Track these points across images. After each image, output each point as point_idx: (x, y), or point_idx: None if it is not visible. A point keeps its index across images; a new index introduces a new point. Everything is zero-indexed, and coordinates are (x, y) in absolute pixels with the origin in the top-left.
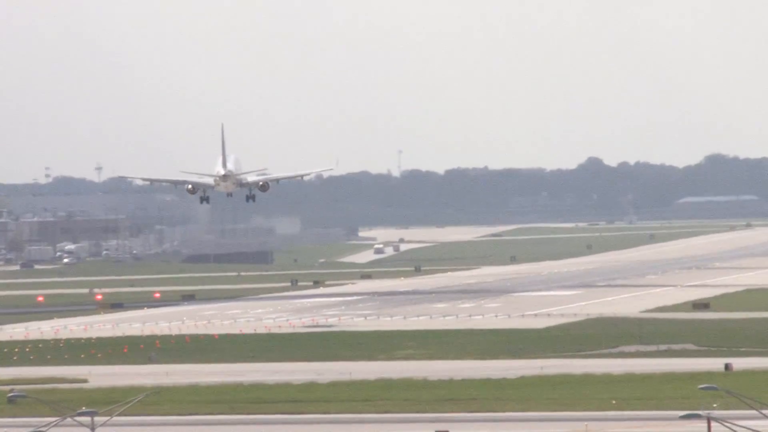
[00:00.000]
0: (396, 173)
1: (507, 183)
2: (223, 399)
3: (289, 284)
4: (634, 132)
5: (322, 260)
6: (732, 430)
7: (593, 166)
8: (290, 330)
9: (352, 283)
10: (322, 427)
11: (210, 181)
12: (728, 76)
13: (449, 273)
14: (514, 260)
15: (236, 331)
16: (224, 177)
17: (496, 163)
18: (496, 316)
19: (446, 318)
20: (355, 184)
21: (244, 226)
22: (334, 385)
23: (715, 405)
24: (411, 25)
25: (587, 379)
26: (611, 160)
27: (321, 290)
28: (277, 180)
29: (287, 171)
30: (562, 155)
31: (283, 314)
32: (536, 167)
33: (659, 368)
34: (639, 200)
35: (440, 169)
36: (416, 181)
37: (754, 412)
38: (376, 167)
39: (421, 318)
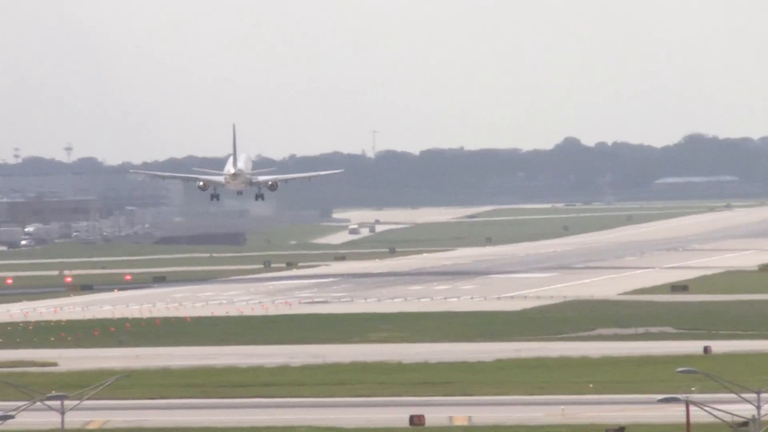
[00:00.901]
0: (371, 154)
1: (483, 164)
2: (194, 382)
3: (261, 266)
4: (611, 112)
5: (293, 242)
6: (711, 413)
7: (570, 146)
8: (263, 312)
9: (326, 265)
10: (295, 410)
11: (221, 179)
12: (707, 55)
13: (424, 254)
14: (489, 242)
15: (208, 314)
16: (234, 176)
17: (472, 144)
18: (472, 298)
19: (421, 300)
20: (329, 165)
21: (216, 208)
22: (307, 369)
23: (693, 388)
24: (386, 6)
25: (564, 362)
26: (589, 140)
27: (294, 272)
28: (286, 180)
29: (297, 173)
30: (538, 135)
31: (256, 296)
32: (512, 147)
33: (637, 351)
34: (617, 181)
35: (415, 150)
36: (391, 162)
37: (733, 395)
38: (351, 148)
39: (395, 300)
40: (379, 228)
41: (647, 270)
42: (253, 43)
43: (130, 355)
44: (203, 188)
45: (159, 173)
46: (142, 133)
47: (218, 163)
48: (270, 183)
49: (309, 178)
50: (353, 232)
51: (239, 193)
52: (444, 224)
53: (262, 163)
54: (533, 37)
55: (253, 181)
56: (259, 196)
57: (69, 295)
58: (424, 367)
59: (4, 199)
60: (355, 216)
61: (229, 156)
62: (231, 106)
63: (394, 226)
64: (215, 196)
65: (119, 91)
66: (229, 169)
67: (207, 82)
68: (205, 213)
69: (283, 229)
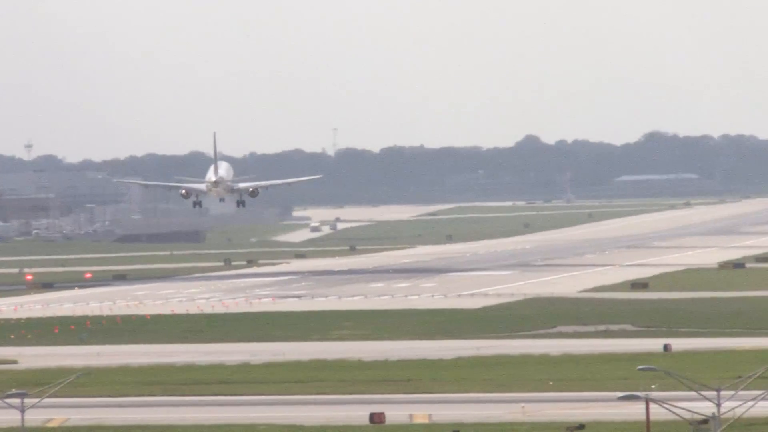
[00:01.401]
0: (331, 152)
1: (443, 161)
2: (155, 380)
3: (222, 264)
4: (572, 110)
5: (253, 240)
6: (671, 411)
7: (530, 144)
8: (223, 310)
9: (287, 263)
10: (256, 408)
11: (203, 187)
12: (667, 53)
13: (385, 252)
14: (450, 239)
15: (168, 312)
16: (215, 183)
17: (433, 142)
18: (432, 296)
19: (382, 298)
20: (289, 163)
21: (176, 206)
22: (267, 366)
23: (653, 386)
24: (347, 4)
25: (524, 359)
26: (549, 138)
27: (254, 270)
28: (267, 187)
29: (275, 179)
30: (499, 133)
31: (216, 294)
32: (473, 145)
33: (597, 349)
34: (577, 178)
35: (376, 148)
36: (352, 159)
37: (693, 393)
38: (311, 146)
39: (356, 298)
40: (340, 226)
41: (607, 267)
42: (214, 40)
43: (90, 352)
44: (185, 196)
45: (142, 182)
46: (102, 130)
47: (179, 161)
48: (251, 189)
49: (289, 184)
50: (314, 230)
51: (221, 200)
52: (405, 222)
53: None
54: (493, 36)
55: (235, 188)
56: (241, 203)
57: (29, 293)
58: (385, 364)
59: None
60: (316, 214)
61: (210, 164)
62: (191, 104)
63: (355, 223)
64: (197, 203)
65: (80, 89)
66: (211, 177)
67: (166, 79)
68: (164, 211)
69: (244, 227)
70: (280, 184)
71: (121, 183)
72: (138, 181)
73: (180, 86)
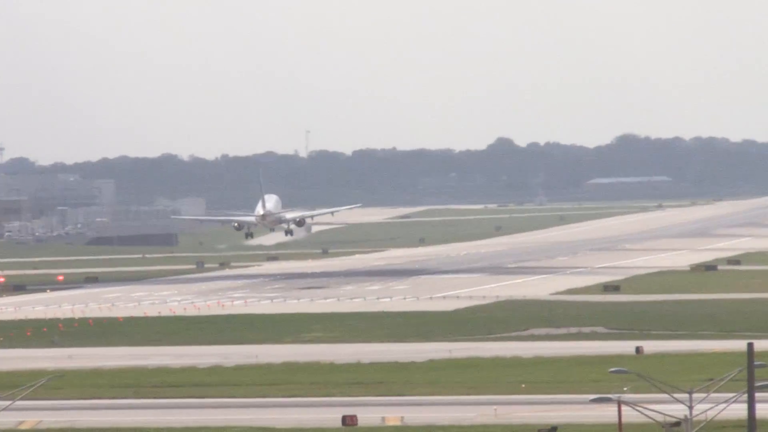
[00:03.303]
0: (303, 154)
1: (416, 164)
2: (127, 383)
3: (194, 266)
4: (544, 112)
5: (222, 246)
6: (643, 413)
7: (503, 146)
8: (196, 313)
9: (259, 265)
10: (228, 411)
11: (252, 219)
12: (639, 56)
13: (357, 255)
14: (422, 242)
15: (141, 314)
16: (263, 216)
17: (405, 144)
18: (405, 298)
19: (354, 300)
20: (261, 165)
21: (148, 208)
22: (240, 369)
23: (625, 388)
24: (319, 5)
25: (496, 362)
26: (521, 141)
27: (227, 272)
28: (312, 216)
29: (318, 210)
30: (471, 136)
31: (189, 297)
32: (445, 148)
33: (569, 351)
34: (549, 181)
35: (348, 150)
36: (324, 161)
37: (665, 395)
38: (284, 148)
39: (328, 300)
40: (313, 228)
41: (579, 270)
42: (186, 41)
43: (62, 355)
44: (238, 228)
45: (199, 217)
46: (74, 133)
47: (150, 163)
48: (297, 220)
49: (332, 213)
50: (288, 232)
51: (271, 230)
52: (377, 224)
53: (194, 163)
54: (465, 38)
55: (282, 219)
56: (289, 232)
57: (1, 296)
58: (357, 367)
59: None
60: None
61: (258, 199)
62: (163, 106)
63: (327, 226)
64: (249, 235)
65: (51, 91)
66: (259, 210)
67: (138, 81)
68: (136, 213)
69: (216, 229)
70: (323, 213)
71: (178, 219)
72: (194, 217)
73: (152, 88)
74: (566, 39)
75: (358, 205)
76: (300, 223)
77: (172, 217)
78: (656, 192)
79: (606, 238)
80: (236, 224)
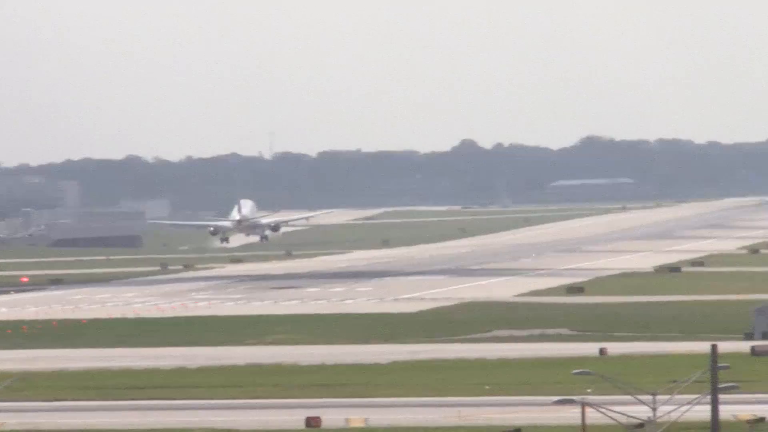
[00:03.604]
0: (268, 156)
1: (380, 165)
2: (91, 384)
3: (158, 268)
4: (508, 114)
5: (184, 247)
6: (606, 415)
7: (467, 148)
8: (160, 314)
9: (222, 267)
10: (192, 412)
11: (228, 224)
12: (604, 57)
13: (321, 257)
14: (386, 244)
15: (105, 316)
16: (239, 222)
17: (369, 146)
18: (368, 300)
19: (318, 302)
20: (225, 167)
21: (113, 210)
22: (203, 371)
23: (589, 390)
24: (282, 6)
25: (460, 364)
26: (485, 143)
27: (191, 274)
28: (286, 222)
29: (294, 215)
30: (435, 137)
31: (153, 298)
32: (409, 149)
33: (533, 353)
34: (513, 183)
35: (312, 152)
36: (288, 163)
37: (628, 397)
38: (248, 149)
39: (292, 302)
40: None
41: (543, 272)
42: (150, 41)
43: (26, 357)
44: (214, 233)
45: (177, 222)
46: (38, 134)
47: (115, 165)
48: (273, 225)
49: (307, 218)
50: (262, 237)
51: (247, 234)
52: (341, 226)
53: (159, 165)
54: (429, 39)
55: (258, 224)
56: (264, 237)
57: None
58: (321, 368)
59: None
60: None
61: (234, 205)
62: (126, 107)
63: (291, 228)
64: (225, 240)
65: (15, 92)
66: (235, 216)
67: (102, 83)
68: (101, 215)
69: (180, 231)
70: (299, 218)
71: (155, 223)
72: (169, 221)
73: (116, 90)
74: (530, 41)
75: (331, 210)
76: (275, 228)
77: (149, 221)
78: (620, 194)
79: (570, 239)
80: (212, 229)
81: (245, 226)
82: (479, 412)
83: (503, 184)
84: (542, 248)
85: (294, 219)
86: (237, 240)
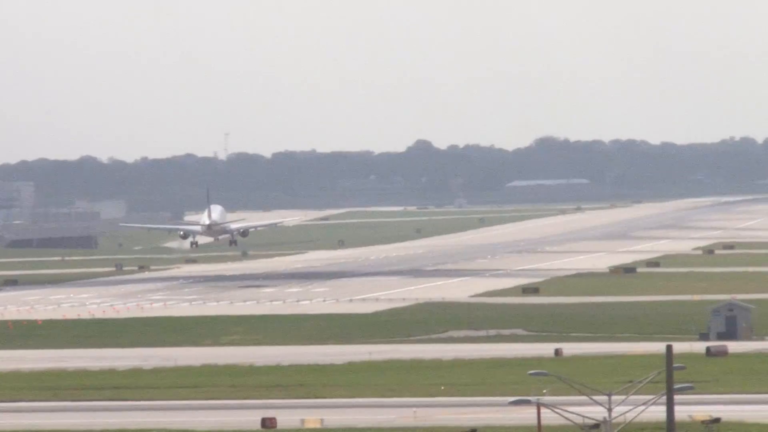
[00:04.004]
0: (223, 156)
1: (335, 166)
2: (46, 385)
3: (113, 269)
4: (463, 114)
5: (137, 248)
6: (562, 415)
7: (422, 148)
8: (115, 315)
9: (178, 268)
10: (147, 413)
11: (198, 229)
12: (559, 58)
13: (276, 258)
14: (342, 244)
15: (60, 317)
16: (209, 227)
17: (324, 146)
18: (324, 300)
19: (273, 303)
20: (180, 167)
21: (68, 211)
22: (158, 371)
23: (545, 390)
24: (236, 6)
25: (416, 364)
26: (440, 143)
27: (146, 275)
28: (255, 227)
29: (263, 221)
30: (390, 138)
31: (108, 299)
32: (365, 150)
33: (489, 353)
34: (469, 183)
35: (268, 152)
36: (243, 164)
37: (584, 397)
38: (203, 150)
39: (247, 303)
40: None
41: (499, 272)
42: (104, 43)
43: None
44: (184, 237)
45: (148, 226)
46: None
47: (70, 166)
48: (242, 230)
49: (276, 224)
50: (231, 242)
51: (216, 239)
52: (297, 227)
53: (114, 166)
54: (384, 40)
55: (227, 229)
56: (233, 242)
57: None
58: (276, 369)
59: None
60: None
61: (204, 209)
62: (81, 108)
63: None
64: (194, 243)
65: None
66: (205, 220)
67: (57, 82)
68: (56, 215)
69: (135, 232)
70: (266, 225)
71: (126, 226)
72: (141, 225)
73: (71, 90)
74: (485, 41)
75: (297, 218)
76: (244, 233)
77: (121, 224)
78: (576, 194)
79: (525, 240)
80: (182, 233)
81: (214, 231)
82: (435, 413)
83: (459, 185)
84: (498, 249)
85: (263, 224)
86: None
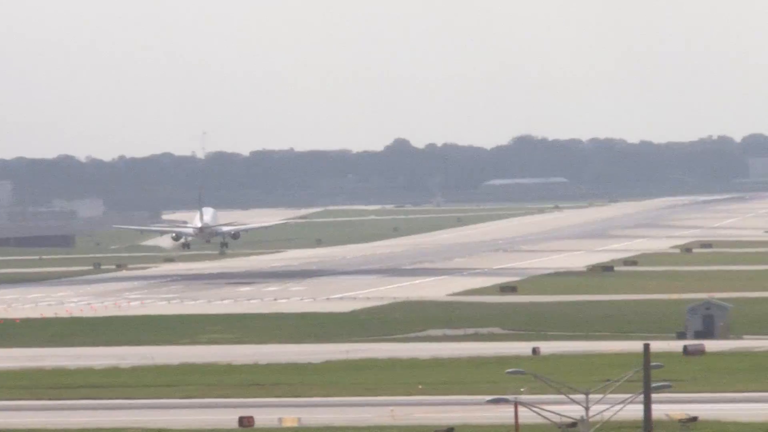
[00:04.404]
0: (201, 155)
1: (313, 165)
2: (23, 384)
3: (91, 268)
4: (441, 113)
5: (113, 246)
6: (539, 414)
7: (400, 147)
8: (93, 314)
9: (156, 266)
10: (125, 412)
11: (190, 231)
12: (537, 56)
13: (254, 256)
14: (320, 243)
15: (37, 315)
16: (201, 229)
17: (302, 145)
18: (302, 299)
19: (251, 301)
20: (158, 166)
21: (45, 210)
22: (136, 370)
23: (522, 389)
24: (214, 6)
25: (393, 363)
26: (418, 142)
27: (124, 273)
28: (246, 230)
29: (255, 223)
30: (368, 137)
31: (85, 298)
32: (342, 149)
33: (466, 352)
34: (446, 182)
35: (245, 151)
36: (221, 163)
37: (561, 396)
38: (181, 149)
39: (225, 302)
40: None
41: (476, 271)
42: (81, 40)
43: None
44: (176, 239)
45: (139, 228)
46: None
47: (47, 165)
48: (233, 233)
49: (266, 227)
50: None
51: (207, 241)
52: (275, 225)
53: (91, 165)
54: (361, 38)
55: (218, 232)
56: (224, 245)
57: None
58: (254, 368)
59: None
60: (186, 217)
61: (196, 211)
62: (59, 106)
63: (225, 227)
64: (186, 245)
65: None
66: (197, 223)
67: (35, 80)
68: (33, 214)
69: (112, 231)
70: (257, 228)
71: (119, 228)
72: (135, 227)
73: (49, 88)
74: (463, 39)
75: (300, 217)
76: (236, 236)
77: (114, 226)
78: (553, 193)
79: (503, 239)
80: (174, 235)
81: (206, 233)
82: (412, 412)
83: (436, 184)
84: (475, 247)
85: (254, 227)
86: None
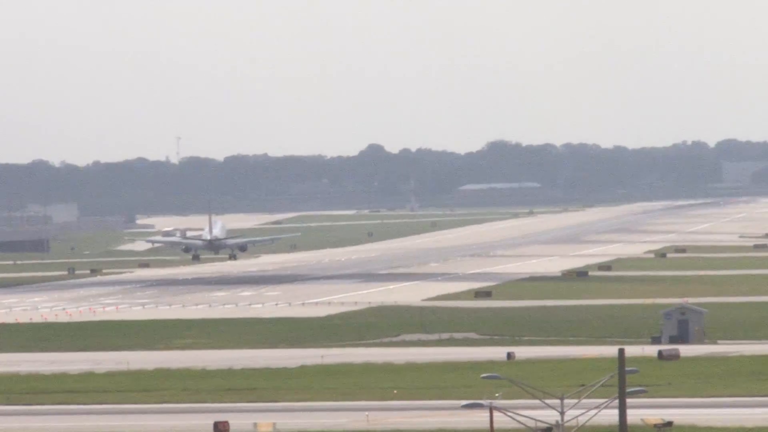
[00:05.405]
0: (175, 160)
1: (287, 170)
2: None
3: (66, 273)
4: (415, 118)
5: (86, 252)
6: (514, 419)
7: (374, 152)
8: (67, 319)
9: (130, 272)
10: (100, 417)
11: (200, 243)
12: (509, 61)
13: (229, 261)
14: (294, 248)
15: (12, 321)
16: (210, 242)
17: (277, 150)
18: (277, 304)
19: (226, 306)
20: (132, 171)
21: (19, 214)
22: (111, 375)
23: (497, 394)
24: (189, 10)
25: (368, 368)
26: (392, 147)
27: (99, 278)
28: (254, 242)
29: (261, 236)
30: (342, 142)
31: (60, 303)
32: (317, 154)
33: (441, 357)
34: (421, 187)
35: (220, 156)
36: (195, 167)
37: (536, 401)
38: (155, 154)
39: (200, 306)
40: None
41: (451, 276)
42: (56, 45)
43: None
44: (186, 250)
45: (152, 240)
46: None
47: (21, 170)
48: (240, 245)
49: (272, 240)
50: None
51: (216, 253)
52: (249, 230)
53: (66, 169)
54: (335, 43)
55: (227, 243)
56: (232, 256)
57: None
58: (229, 373)
59: None
60: (160, 222)
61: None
62: (33, 111)
63: (199, 232)
64: (196, 257)
65: None
66: (206, 236)
67: (9, 87)
68: (7, 219)
69: (88, 236)
70: (264, 240)
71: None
72: (146, 239)
73: (23, 93)
74: (437, 45)
75: (297, 234)
76: (243, 248)
77: (126, 235)
78: (527, 198)
79: (477, 244)
80: (184, 246)
81: (215, 245)
82: (387, 417)
83: (410, 189)
84: (450, 252)
85: (261, 240)
86: (145, 243)
